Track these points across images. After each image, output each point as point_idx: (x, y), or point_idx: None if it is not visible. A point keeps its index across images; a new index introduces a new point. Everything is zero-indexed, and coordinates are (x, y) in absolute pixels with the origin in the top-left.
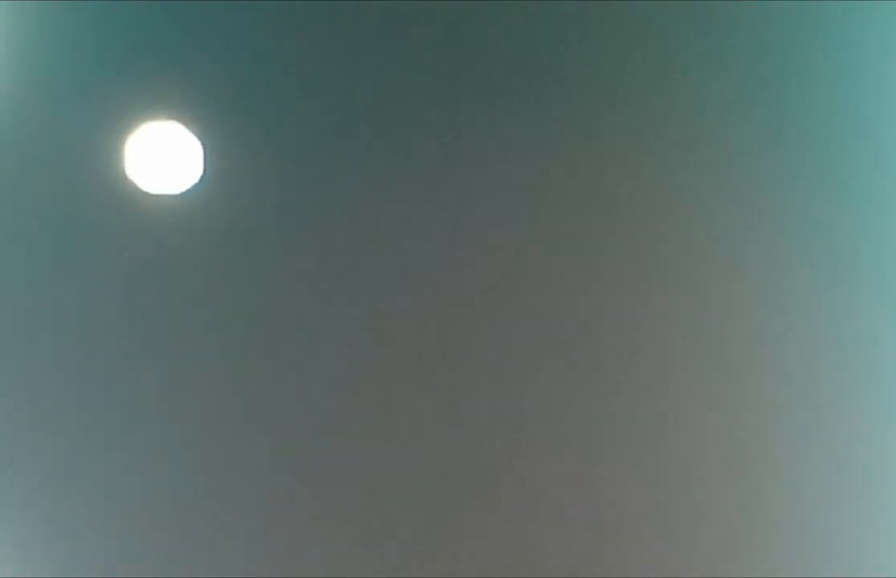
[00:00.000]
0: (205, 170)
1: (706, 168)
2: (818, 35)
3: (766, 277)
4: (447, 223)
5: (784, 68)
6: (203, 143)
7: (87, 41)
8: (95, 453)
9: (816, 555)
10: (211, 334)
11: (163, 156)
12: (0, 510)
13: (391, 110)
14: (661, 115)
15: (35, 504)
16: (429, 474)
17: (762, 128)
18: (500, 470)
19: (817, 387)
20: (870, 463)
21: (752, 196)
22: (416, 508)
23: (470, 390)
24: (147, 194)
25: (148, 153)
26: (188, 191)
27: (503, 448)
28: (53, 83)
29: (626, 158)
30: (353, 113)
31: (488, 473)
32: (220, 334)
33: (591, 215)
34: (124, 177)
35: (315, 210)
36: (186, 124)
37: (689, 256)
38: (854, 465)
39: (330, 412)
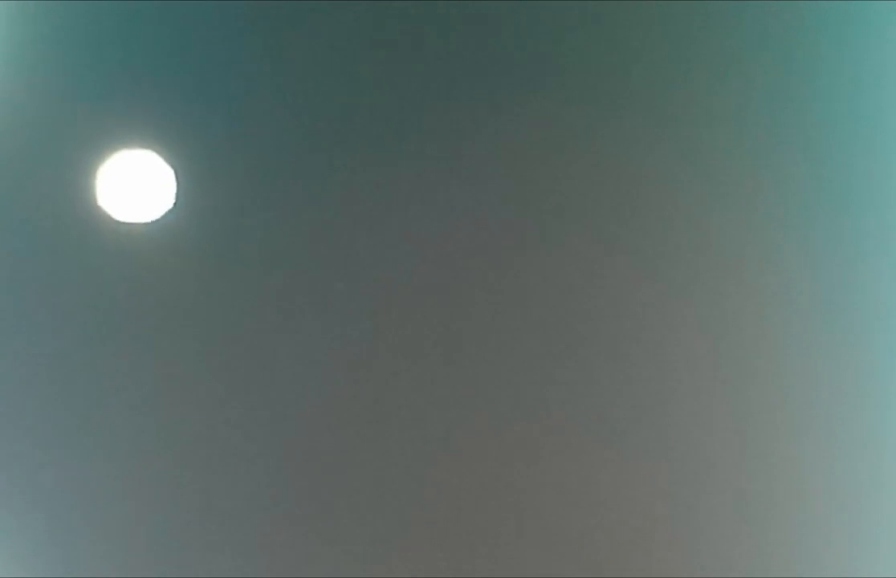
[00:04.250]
0: (177, 199)
1: (707, 167)
2: (819, 35)
3: (768, 276)
4: (432, 236)
5: (785, 68)
6: (175, 171)
7: (59, 70)
8: (64, 483)
9: (817, 555)
10: (184, 362)
11: (135, 185)
12: None
13: (366, 134)
14: (662, 116)
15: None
16: (427, 474)
17: (763, 127)
18: (500, 470)
19: (818, 387)
20: (870, 462)
21: (753, 195)
22: (415, 507)
23: (468, 396)
24: (119, 222)
25: (120, 181)
26: (160, 220)
27: (503, 447)
28: (25, 111)
29: (627, 158)
30: (327, 139)
31: (489, 473)
32: (193, 362)
33: (592, 215)
34: (96, 205)
35: (288, 236)
36: (159, 152)
37: (690, 256)
38: (854, 464)
39: (310, 432)
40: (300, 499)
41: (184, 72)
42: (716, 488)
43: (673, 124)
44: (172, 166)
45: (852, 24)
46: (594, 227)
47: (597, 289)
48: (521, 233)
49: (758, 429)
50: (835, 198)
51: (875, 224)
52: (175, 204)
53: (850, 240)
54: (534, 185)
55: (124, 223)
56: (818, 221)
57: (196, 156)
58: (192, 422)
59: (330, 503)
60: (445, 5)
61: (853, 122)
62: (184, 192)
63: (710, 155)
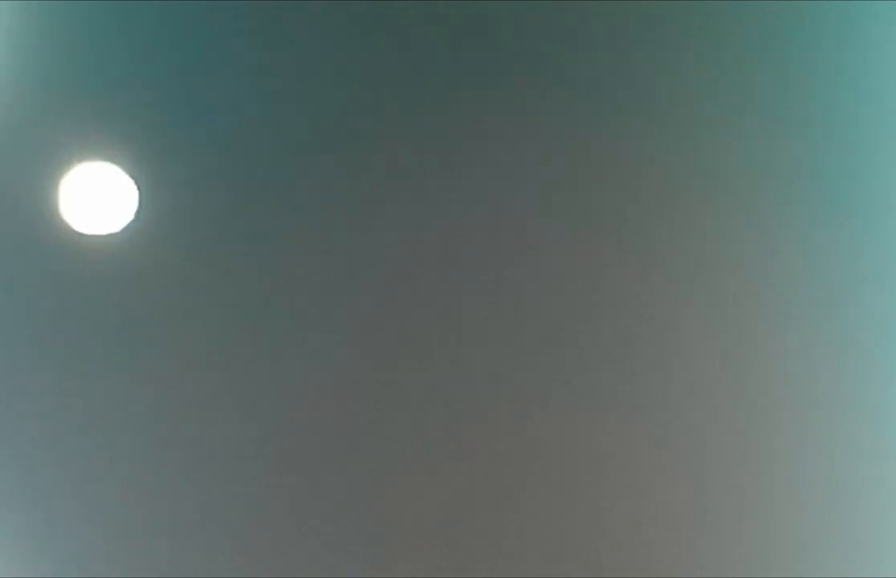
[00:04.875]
0: (139, 211)
1: (707, 166)
2: (819, 35)
3: (768, 273)
4: (424, 236)
5: (785, 68)
6: (137, 184)
7: (21, 80)
8: (30, 489)
9: (817, 555)
10: (142, 373)
11: (97, 197)
12: None
13: (328, 146)
14: (662, 116)
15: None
16: (427, 471)
17: (763, 127)
18: (499, 469)
19: (818, 387)
20: (870, 462)
21: (754, 194)
22: (415, 506)
23: (467, 393)
24: (81, 234)
25: (82, 194)
26: (122, 232)
27: (502, 447)
28: None
29: (627, 158)
30: (289, 150)
31: (489, 473)
32: (152, 373)
33: (592, 214)
34: (58, 217)
35: (250, 247)
36: (120, 165)
37: (690, 255)
38: (854, 463)
39: (269, 450)
40: (286, 501)
41: (144, 84)
42: (715, 488)
43: (673, 124)
44: (134, 178)
45: (852, 23)
46: (594, 227)
47: (597, 288)
48: (522, 232)
49: (758, 429)
50: (835, 196)
51: (876, 222)
52: (137, 215)
53: (851, 238)
54: (534, 184)
55: (87, 235)
56: (818, 220)
57: (157, 169)
58: (156, 432)
59: (321, 503)
60: (444, 5)
61: (854, 121)
62: (145, 204)
63: (710, 154)
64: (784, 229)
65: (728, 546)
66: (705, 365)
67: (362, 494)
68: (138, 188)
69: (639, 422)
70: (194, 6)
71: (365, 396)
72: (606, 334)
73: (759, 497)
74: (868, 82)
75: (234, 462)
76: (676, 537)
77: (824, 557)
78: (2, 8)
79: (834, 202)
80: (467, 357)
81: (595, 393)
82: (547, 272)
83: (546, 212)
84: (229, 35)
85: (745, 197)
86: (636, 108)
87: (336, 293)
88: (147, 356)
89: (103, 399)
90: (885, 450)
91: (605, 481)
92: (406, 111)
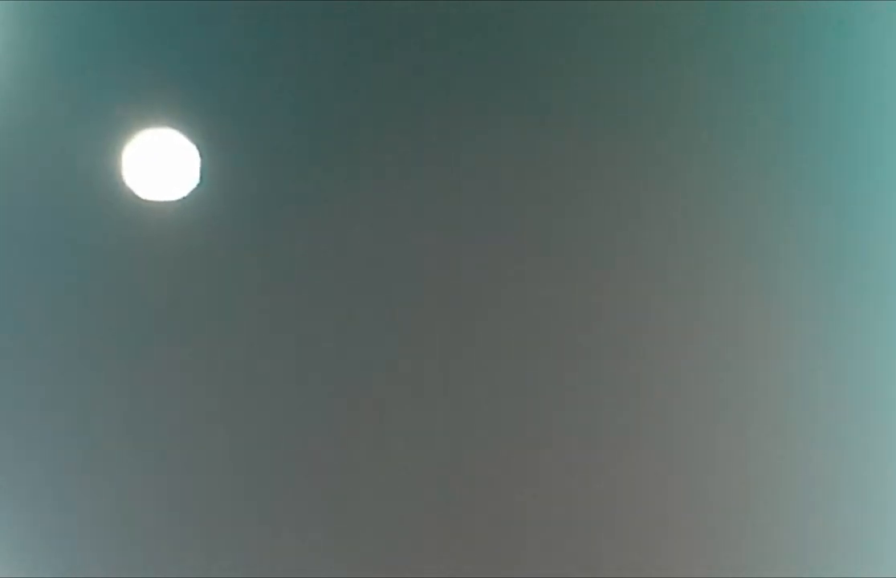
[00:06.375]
0: (202, 177)
1: (706, 168)
2: (819, 35)
3: (769, 275)
4: (449, 224)
5: (786, 68)
6: (200, 150)
7: (83, 49)
8: (88, 462)
9: (816, 555)
10: (208, 340)
11: (160, 164)
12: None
13: (390, 112)
14: (662, 117)
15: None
16: (428, 473)
17: (763, 128)
18: (499, 470)
19: (819, 388)
20: (871, 462)
21: (753, 195)
22: (415, 507)
23: (470, 398)
24: (144, 201)
25: (145, 160)
26: (185, 198)
27: (503, 448)
28: (50, 91)
29: (627, 158)
30: (351, 116)
31: (486, 474)
32: (217, 340)
33: (591, 216)
34: (122, 184)
35: (312, 214)
36: (183, 131)
37: (691, 259)
38: (855, 463)
39: (330, 412)
40: (304, 497)
41: (206, 50)
42: (716, 489)
43: (673, 125)
44: (196, 144)
45: (852, 23)
46: (595, 230)
47: (597, 292)
48: (522, 232)
49: (758, 430)
50: (836, 196)
51: (877, 222)
52: (200, 182)
53: (852, 237)
54: (534, 184)
55: (151, 202)
56: (819, 219)
57: (220, 134)
58: (213, 398)
59: (336, 501)
60: (445, 5)
61: (854, 121)
62: (209, 170)
63: (710, 157)
64: (785, 229)
65: (728, 546)
66: (706, 365)
67: (371, 493)
68: (201, 154)
69: (638, 422)
70: None
71: (370, 393)
72: (606, 334)
73: (759, 497)
74: (868, 82)
75: (273, 443)
76: (676, 537)
77: (824, 557)
78: None
79: (835, 202)
80: (468, 356)
81: (594, 393)
82: (547, 272)
83: (546, 212)
84: (294, 5)
85: (745, 196)
86: (637, 109)
87: (404, 263)
88: (210, 321)
89: (165, 363)
90: (886, 450)
91: (606, 481)
92: (424, 110)
